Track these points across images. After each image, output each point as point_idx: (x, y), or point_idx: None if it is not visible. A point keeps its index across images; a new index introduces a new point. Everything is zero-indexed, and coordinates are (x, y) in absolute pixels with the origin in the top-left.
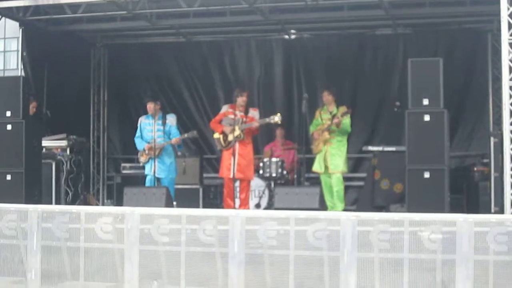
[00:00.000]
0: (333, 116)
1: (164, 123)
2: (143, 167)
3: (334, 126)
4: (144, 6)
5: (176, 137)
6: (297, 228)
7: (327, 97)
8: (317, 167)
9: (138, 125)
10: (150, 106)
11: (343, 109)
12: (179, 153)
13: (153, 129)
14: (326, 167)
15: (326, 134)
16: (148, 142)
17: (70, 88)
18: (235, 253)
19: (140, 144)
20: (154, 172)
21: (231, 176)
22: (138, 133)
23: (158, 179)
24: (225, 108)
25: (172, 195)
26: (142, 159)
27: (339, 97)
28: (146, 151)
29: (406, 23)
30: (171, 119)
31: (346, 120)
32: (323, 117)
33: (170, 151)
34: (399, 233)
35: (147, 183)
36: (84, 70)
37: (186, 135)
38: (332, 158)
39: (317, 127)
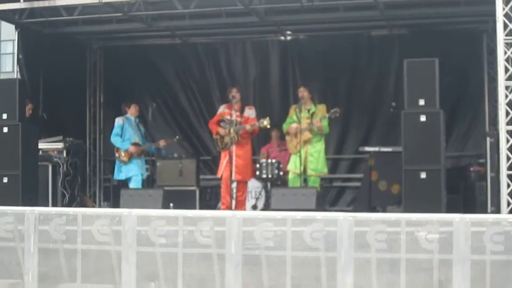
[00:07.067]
0: (312, 115)
1: (139, 128)
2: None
3: (317, 130)
4: (139, 8)
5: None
6: (294, 229)
7: (303, 93)
8: (292, 166)
9: (119, 125)
10: (136, 108)
11: (322, 108)
12: (175, 155)
13: (135, 131)
14: (305, 169)
15: (308, 134)
16: (132, 143)
17: (66, 90)
18: (232, 254)
19: (122, 143)
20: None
21: (228, 176)
22: (117, 132)
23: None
24: (222, 109)
25: None
26: (125, 158)
27: (335, 98)
28: (131, 151)
29: (401, 24)
30: (141, 125)
31: (325, 123)
32: (301, 116)
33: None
34: (396, 233)
35: (138, 184)
36: (80, 72)
37: (175, 139)
38: (311, 160)
39: (290, 125)
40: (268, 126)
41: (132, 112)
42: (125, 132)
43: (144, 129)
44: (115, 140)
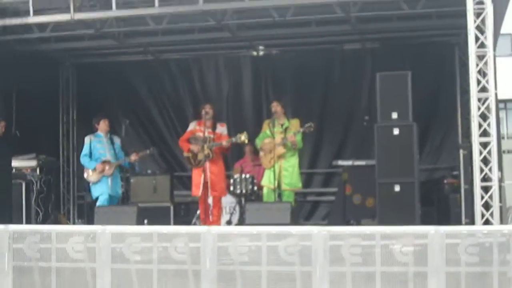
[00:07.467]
0: (285, 129)
1: (112, 142)
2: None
3: (290, 145)
4: (112, 25)
5: (122, 157)
6: (268, 244)
7: (276, 108)
8: (266, 181)
9: (88, 143)
10: (105, 123)
11: (296, 122)
12: (149, 171)
13: (105, 147)
14: (279, 183)
15: (281, 149)
16: (102, 161)
17: (39, 107)
18: (207, 270)
19: (89, 163)
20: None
21: (201, 194)
22: (86, 152)
23: (113, 197)
24: (192, 126)
25: None
26: (93, 178)
27: (308, 113)
28: (99, 170)
29: (373, 38)
30: (117, 138)
31: (298, 137)
32: (274, 130)
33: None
34: (371, 246)
35: (104, 203)
36: (52, 89)
37: (148, 151)
38: (286, 175)
39: (263, 140)
40: (246, 141)
41: (102, 128)
42: (93, 150)
43: (118, 143)
44: (83, 160)
